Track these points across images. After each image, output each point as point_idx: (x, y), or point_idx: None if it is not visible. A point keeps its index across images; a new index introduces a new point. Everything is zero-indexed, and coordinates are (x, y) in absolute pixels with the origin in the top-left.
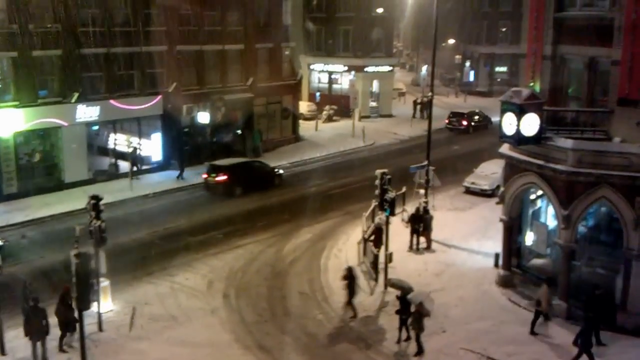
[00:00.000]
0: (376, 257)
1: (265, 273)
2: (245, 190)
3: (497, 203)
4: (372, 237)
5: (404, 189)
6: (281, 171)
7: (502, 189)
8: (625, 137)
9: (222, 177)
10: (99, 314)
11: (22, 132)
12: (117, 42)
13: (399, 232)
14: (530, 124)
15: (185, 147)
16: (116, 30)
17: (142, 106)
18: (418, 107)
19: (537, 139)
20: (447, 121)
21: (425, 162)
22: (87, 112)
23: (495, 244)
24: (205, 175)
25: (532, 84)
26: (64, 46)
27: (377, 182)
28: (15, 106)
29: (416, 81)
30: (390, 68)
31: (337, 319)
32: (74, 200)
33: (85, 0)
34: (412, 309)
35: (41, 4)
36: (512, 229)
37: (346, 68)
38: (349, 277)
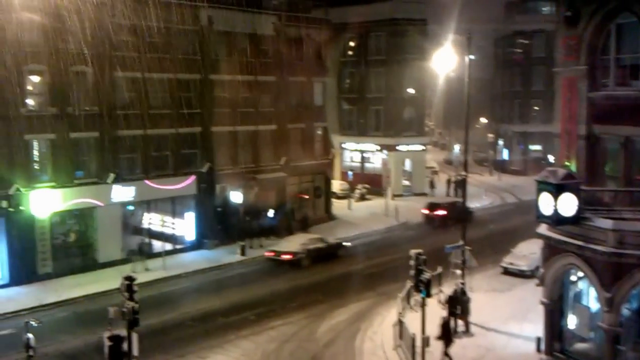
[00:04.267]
0: (413, 340)
1: (299, 356)
2: (455, 223)
3: (537, 285)
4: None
5: (439, 269)
6: (472, 209)
7: (541, 270)
8: None
9: (441, 212)
10: None
11: (58, 213)
12: (153, 123)
13: (436, 314)
14: (568, 204)
15: (218, 226)
16: (152, 113)
17: (177, 186)
18: (452, 185)
19: (576, 219)
20: None
21: (461, 242)
22: (122, 193)
23: (536, 328)
24: (426, 211)
25: (567, 164)
26: (101, 128)
27: (412, 262)
28: (52, 187)
29: (449, 160)
30: (423, 147)
31: None
32: (108, 280)
33: (122, 84)
34: None
35: (79, 87)
36: (554, 312)
37: (378, 147)
38: None
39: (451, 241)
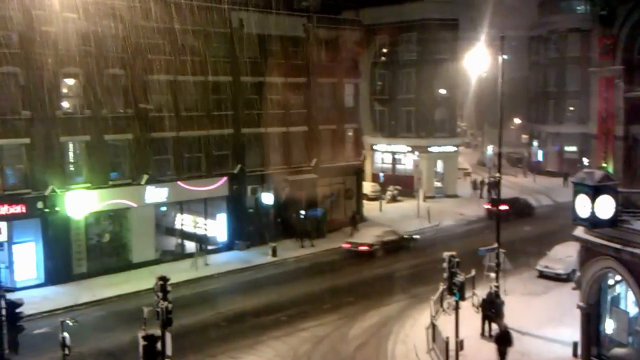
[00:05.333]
0: (447, 344)
1: (331, 358)
2: (517, 217)
3: (574, 288)
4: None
5: (473, 272)
6: (535, 204)
7: (578, 273)
8: None
9: (504, 207)
10: None
11: (92, 213)
12: (186, 125)
13: (470, 317)
14: (605, 206)
15: (249, 227)
16: (185, 115)
17: (209, 187)
18: (485, 187)
19: (613, 221)
20: None
21: (495, 245)
22: (155, 194)
23: (572, 332)
24: (488, 206)
25: (604, 165)
26: (135, 130)
27: (445, 265)
28: (87, 188)
29: (482, 161)
30: (455, 148)
31: None
32: (141, 281)
33: (155, 86)
34: None
35: (113, 90)
36: (591, 316)
37: (409, 148)
38: None
39: (486, 244)
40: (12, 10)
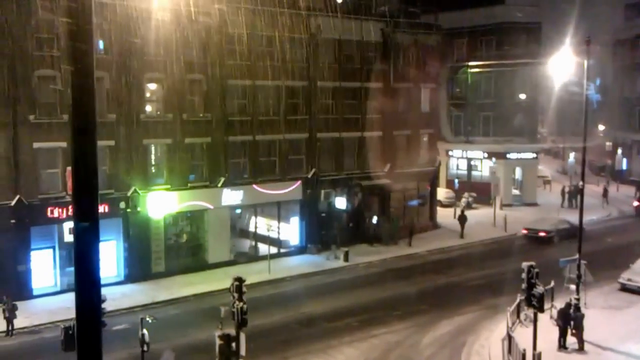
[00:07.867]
0: (523, 356)
1: None
2: None
3: None
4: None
5: (552, 284)
6: None
7: None
8: None
9: None
10: None
11: (171, 214)
12: (262, 129)
13: (547, 329)
14: None
15: (322, 231)
16: (261, 119)
17: (283, 191)
18: (566, 196)
19: None
20: None
21: (577, 256)
22: (231, 196)
23: None
24: (637, 203)
25: None
26: (213, 134)
27: (524, 275)
28: (167, 189)
29: (563, 169)
30: (534, 155)
31: None
32: (216, 281)
33: (233, 91)
34: None
35: (194, 94)
36: None
37: (486, 155)
38: None
39: (563, 256)
40: (98, 17)
